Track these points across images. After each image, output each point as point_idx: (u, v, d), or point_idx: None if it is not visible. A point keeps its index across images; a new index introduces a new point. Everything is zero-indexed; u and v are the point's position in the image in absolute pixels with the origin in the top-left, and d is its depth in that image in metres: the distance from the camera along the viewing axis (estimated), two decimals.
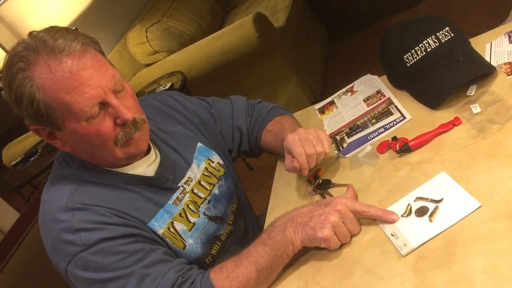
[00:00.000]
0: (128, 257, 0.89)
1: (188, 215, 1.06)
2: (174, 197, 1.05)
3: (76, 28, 0.93)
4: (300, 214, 0.89)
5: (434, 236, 0.79)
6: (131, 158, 0.98)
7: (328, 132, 1.20)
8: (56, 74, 0.84)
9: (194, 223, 1.06)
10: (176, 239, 1.02)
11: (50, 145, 3.05)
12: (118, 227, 0.91)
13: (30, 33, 0.87)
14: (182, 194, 1.06)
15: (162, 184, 1.04)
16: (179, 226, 1.03)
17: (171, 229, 1.01)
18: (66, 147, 0.94)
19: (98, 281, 0.88)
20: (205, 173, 1.14)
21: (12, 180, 3.08)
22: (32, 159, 3.06)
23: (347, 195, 0.92)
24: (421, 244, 0.79)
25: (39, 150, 3.08)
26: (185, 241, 1.03)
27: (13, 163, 3.17)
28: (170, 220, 1.02)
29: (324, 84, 3.13)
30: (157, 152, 1.08)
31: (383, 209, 0.87)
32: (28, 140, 3.30)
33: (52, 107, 0.86)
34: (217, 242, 1.11)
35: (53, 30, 0.87)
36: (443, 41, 1.04)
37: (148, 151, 1.05)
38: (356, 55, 3.26)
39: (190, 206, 1.07)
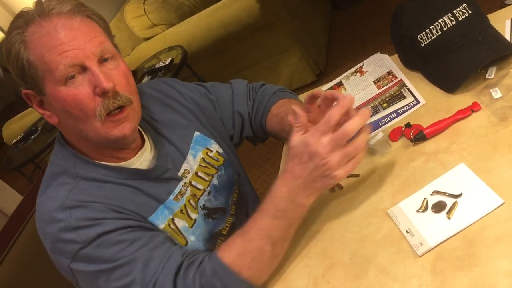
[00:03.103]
0: (130, 245, 0.86)
1: (189, 211, 1.01)
2: (176, 191, 1.00)
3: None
4: (295, 178, 0.83)
5: (453, 235, 0.74)
6: (115, 144, 0.92)
7: None
8: (42, 31, 0.84)
9: (195, 220, 1.02)
10: (178, 235, 0.98)
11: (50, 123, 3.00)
12: (117, 220, 0.88)
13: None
14: (184, 188, 1.02)
15: (163, 175, 0.99)
16: (180, 223, 0.99)
17: (171, 226, 0.97)
18: (53, 118, 0.91)
19: (103, 271, 0.85)
20: (202, 164, 1.09)
21: (13, 159, 3.05)
22: (32, 137, 3.03)
23: (315, 130, 0.82)
24: (439, 244, 0.75)
25: (39, 128, 3.04)
26: (186, 238, 0.99)
27: (13, 141, 3.14)
28: (171, 217, 0.97)
29: (328, 56, 3.04)
30: (152, 144, 1.03)
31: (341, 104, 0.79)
32: (28, 118, 3.26)
33: (34, 65, 0.84)
34: (220, 237, 1.08)
35: None
36: (460, 19, 0.97)
37: (142, 144, 1.01)
38: (360, 24, 3.16)
39: (191, 201, 1.02)
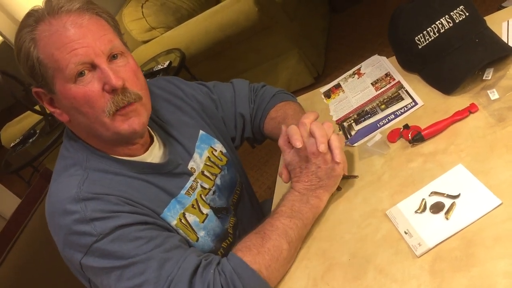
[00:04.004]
0: (147, 242, 0.85)
1: (201, 206, 1.02)
2: (187, 186, 1.01)
3: None
4: (302, 182, 0.91)
5: (451, 236, 0.75)
6: (126, 139, 0.93)
7: (334, 118, 1.14)
8: (52, 29, 0.85)
9: (207, 215, 1.02)
10: (189, 230, 0.98)
11: (48, 126, 3.00)
12: (133, 214, 0.87)
13: None
14: (195, 183, 1.03)
15: (175, 169, 1.00)
16: (191, 218, 0.99)
17: (182, 221, 0.98)
18: (64, 116, 0.92)
19: (117, 267, 0.83)
20: (208, 163, 1.09)
21: (11, 162, 3.04)
22: (30, 140, 3.02)
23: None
24: (437, 244, 0.75)
25: (38, 131, 3.04)
26: (197, 233, 1.00)
27: (12, 145, 3.14)
28: (182, 211, 0.98)
29: (326, 58, 3.05)
30: (160, 141, 1.04)
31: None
32: (26, 121, 3.26)
33: (44, 63, 0.85)
34: (228, 237, 1.08)
35: None
36: (457, 21, 0.97)
37: (151, 141, 1.02)
38: (359, 26, 3.17)
39: (202, 196, 1.03)
